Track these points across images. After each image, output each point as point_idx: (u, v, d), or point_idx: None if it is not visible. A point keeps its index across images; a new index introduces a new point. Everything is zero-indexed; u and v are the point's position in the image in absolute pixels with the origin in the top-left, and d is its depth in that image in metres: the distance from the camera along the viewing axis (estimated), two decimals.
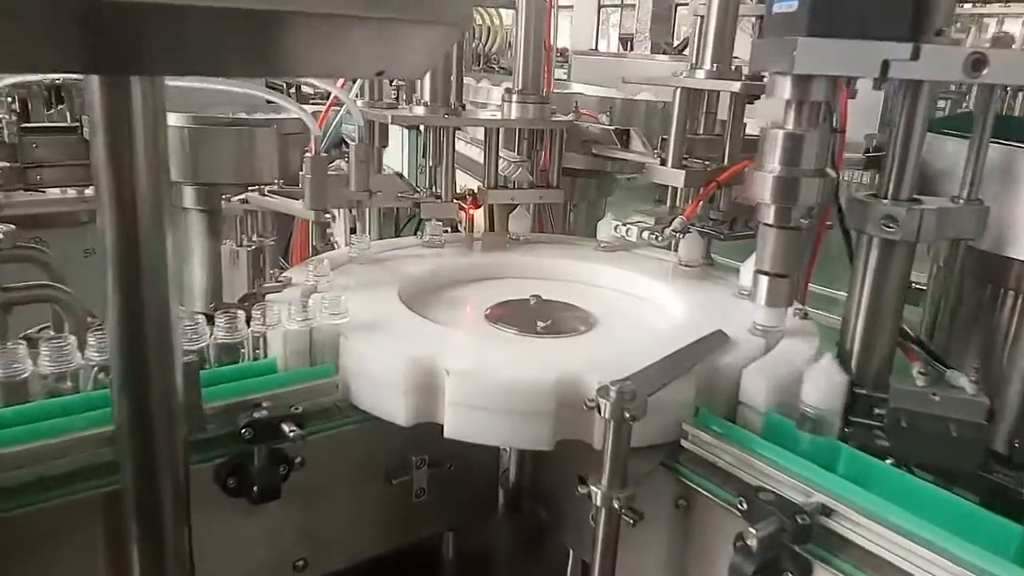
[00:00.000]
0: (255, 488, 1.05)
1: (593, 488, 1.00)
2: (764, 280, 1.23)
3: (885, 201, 1.23)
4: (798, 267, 1.22)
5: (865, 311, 1.29)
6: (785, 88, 1.12)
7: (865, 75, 1.07)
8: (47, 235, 3.30)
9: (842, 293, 2.21)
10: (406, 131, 2.38)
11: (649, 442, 1.08)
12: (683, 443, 1.11)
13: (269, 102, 1.82)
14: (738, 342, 1.23)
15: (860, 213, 1.25)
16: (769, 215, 1.18)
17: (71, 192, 3.71)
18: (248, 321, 1.21)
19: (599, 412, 0.97)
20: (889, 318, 1.29)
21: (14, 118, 3.86)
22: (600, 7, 14.01)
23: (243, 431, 1.02)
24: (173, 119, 2.28)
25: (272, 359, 1.19)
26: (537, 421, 1.08)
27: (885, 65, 1.05)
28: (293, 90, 3.74)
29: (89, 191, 3.69)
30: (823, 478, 0.96)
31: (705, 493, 1.07)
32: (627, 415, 0.95)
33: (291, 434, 1.03)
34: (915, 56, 1.04)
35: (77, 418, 0.99)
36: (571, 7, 13.10)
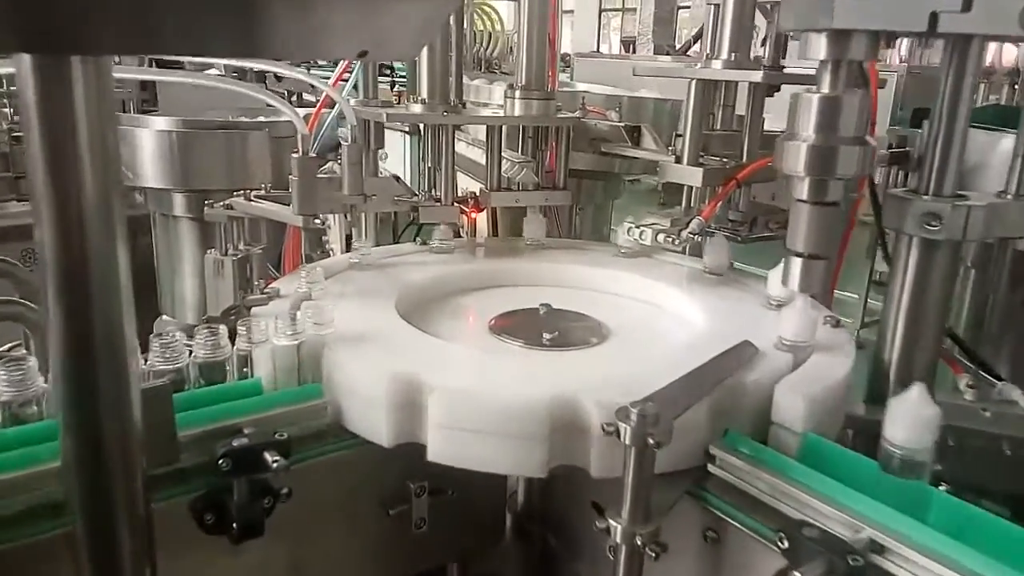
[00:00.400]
0: (235, 525, 0.94)
1: (612, 523, 0.89)
2: (797, 262, 1.10)
3: (926, 197, 1.13)
4: (834, 249, 1.10)
5: (905, 318, 1.18)
6: (820, 46, 1.00)
7: (911, 29, 0.95)
8: None
9: (850, 295, 2.11)
10: (408, 138, 2.29)
11: (671, 468, 0.97)
12: (710, 468, 1.00)
13: (269, 105, 1.73)
14: (767, 354, 1.12)
15: (898, 210, 1.14)
16: (803, 189, 1.06)
17: None
18: (233, 337, 1.10)
19: (618, 437, 0.86)
20: (931, 326, 1.18)
21: (5, 126, 3.77)
22: (601, 11, 13.95)
23: (220, 462, 0.92)
24: (161, 123, 2.19)
25: (256, 379, 1.08)
26: (528, 445, 0.97)
27: (933, 17, 0.93)
28: (294, 97, 3.65)
29: None
30: (872, 509, 0.85)
31: (736, 525, 0.96)
32: (650, 441, 0.84)
33: (274, 464, 0.92)
34: (967, 7, 0.92)
35: (38, 448, 0.89)
36: (572, 12, 13.04)
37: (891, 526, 0.82)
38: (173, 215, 2.32)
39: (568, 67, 4.82)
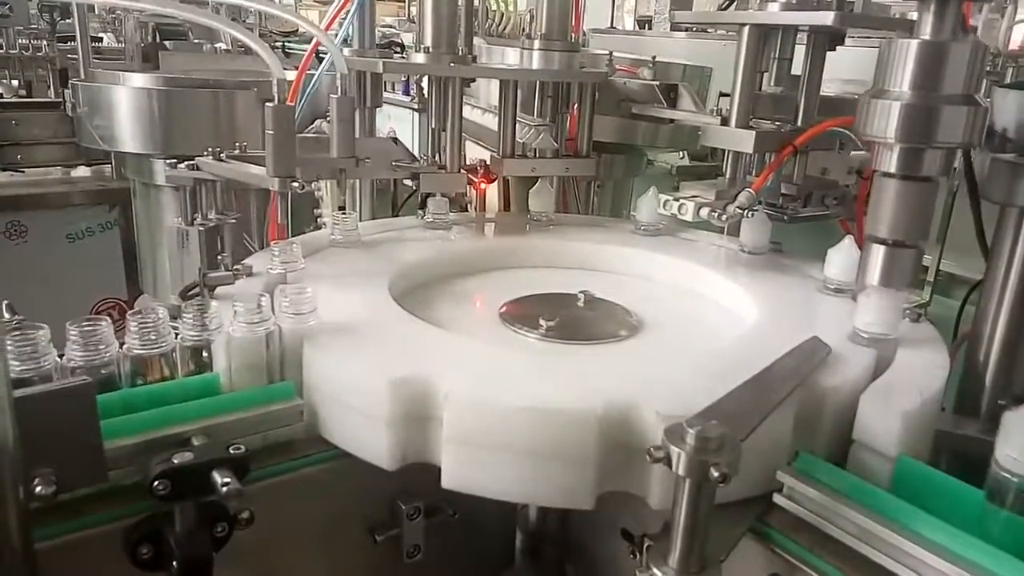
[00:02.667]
0: (175, 563, 0.74)
1: (658, 573, 0.69)
2: (879, 251, 0.91)
3: None
4: (926, 235, 0.90)
5: (1009, 310, 0.97)
6: None
7: None
8: (27, 218, 3.03)
9: None
10: (417, 116, 2.07)
11: (728, 498, 0.77)
12: (776, 498, 0.79)
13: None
14: (842, 352, 0.92)
15: (1009, 180, 0.93)
16: (891, 160, 0.86)
17: (56, 172, 3.44)
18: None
19: (669, 465, 0.66)
20: None
21: None
22: None
23: (155, 484, 0.72)
24: (139, 80, 1.98)
25: (213, 376, 0.88)
26: (575, 469, 0.76)
27: None
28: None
29: (76, 172, 3.43)
30: (1005, 565, 0.64)
31: (810, 572, 0.75)
32: (713, 473, 0.64)
33: (224, 488, 0.72)
34: None
35: None
36: None
37: None
38: (154, 184, 2.11)
39: (583, 47, 4.63)
